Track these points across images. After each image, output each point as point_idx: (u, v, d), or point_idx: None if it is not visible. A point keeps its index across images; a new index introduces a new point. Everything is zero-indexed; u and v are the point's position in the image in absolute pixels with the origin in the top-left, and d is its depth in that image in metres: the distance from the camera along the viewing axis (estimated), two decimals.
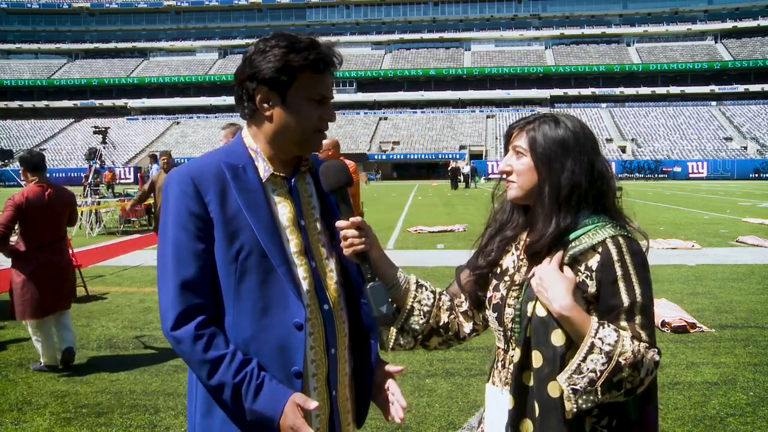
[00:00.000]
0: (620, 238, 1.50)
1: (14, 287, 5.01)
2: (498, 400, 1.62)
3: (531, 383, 1.51)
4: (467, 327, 1.76)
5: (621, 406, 1.50)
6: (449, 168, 43.65)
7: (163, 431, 3.93)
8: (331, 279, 1.63)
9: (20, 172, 5.23)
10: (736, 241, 12.19)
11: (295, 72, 1.51)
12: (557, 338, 1.48)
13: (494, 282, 1.67)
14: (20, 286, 4.96)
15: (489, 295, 1.68)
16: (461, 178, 42.06)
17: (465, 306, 1.76)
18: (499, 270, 1.68)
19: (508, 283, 1.63)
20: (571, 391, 1.42)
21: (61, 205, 5.15)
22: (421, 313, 1.69)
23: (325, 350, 1.58)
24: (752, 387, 4.52)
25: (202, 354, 1.45)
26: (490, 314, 1.66)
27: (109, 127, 20.71)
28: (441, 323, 1.72)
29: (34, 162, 5.09)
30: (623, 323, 1.47)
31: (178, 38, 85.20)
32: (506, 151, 1.66)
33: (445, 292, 1.78)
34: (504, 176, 1.65)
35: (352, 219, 1.58)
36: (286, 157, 1.62)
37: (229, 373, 1.45)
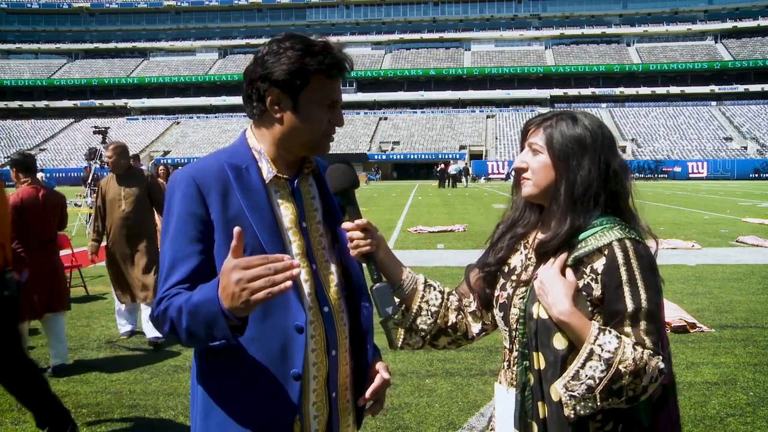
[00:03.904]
0: (627, 241, 1.47)
1: None
2: (505, 400, 1.61)
3: (536, 384, 1.50)
4: (475, 327, 1.75)
5: (629, 411, 1.47)
6: (438, 168, 43.79)
7: (163, 431, 3.93)
8: (332, 281, 1.62)
9: (11, 174, 5.16)
10: (736, 241, 12.18)
11: (309, 76, 1.50)
12: (559, 342, 1.46)
13: (502, 281, 1.66)
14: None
15: (497, 293, 1.67)
16: (461, 176, 42.15)
17: (473, 306, 1.74)
18: (507, 269, 1.66)
19: (515, 282, 1.61)
20: (568, 397, 1.40)
21: (53, 207, 5.12)
22: (429, 313, 1.68)
23: (326, 352, 1.58)
24: (752, 387, 4.52)
25: (156, 308, 1.47)
26: (497, 313, 1.65)
27: (109, 127, 20.72)
28: (449, 323, 1.71)
29: (26, 163, 5.04)
30: (627, 329, 1.44)
31: (178, 38, 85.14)
32: (522, 148, 1.63)
33: (454, 292, 1.77)
34: (519, 173, 1.62)
35: (357, 221, 1.59)
36: (292, 158, 1.61)
37: (173, 308, 1.42)
